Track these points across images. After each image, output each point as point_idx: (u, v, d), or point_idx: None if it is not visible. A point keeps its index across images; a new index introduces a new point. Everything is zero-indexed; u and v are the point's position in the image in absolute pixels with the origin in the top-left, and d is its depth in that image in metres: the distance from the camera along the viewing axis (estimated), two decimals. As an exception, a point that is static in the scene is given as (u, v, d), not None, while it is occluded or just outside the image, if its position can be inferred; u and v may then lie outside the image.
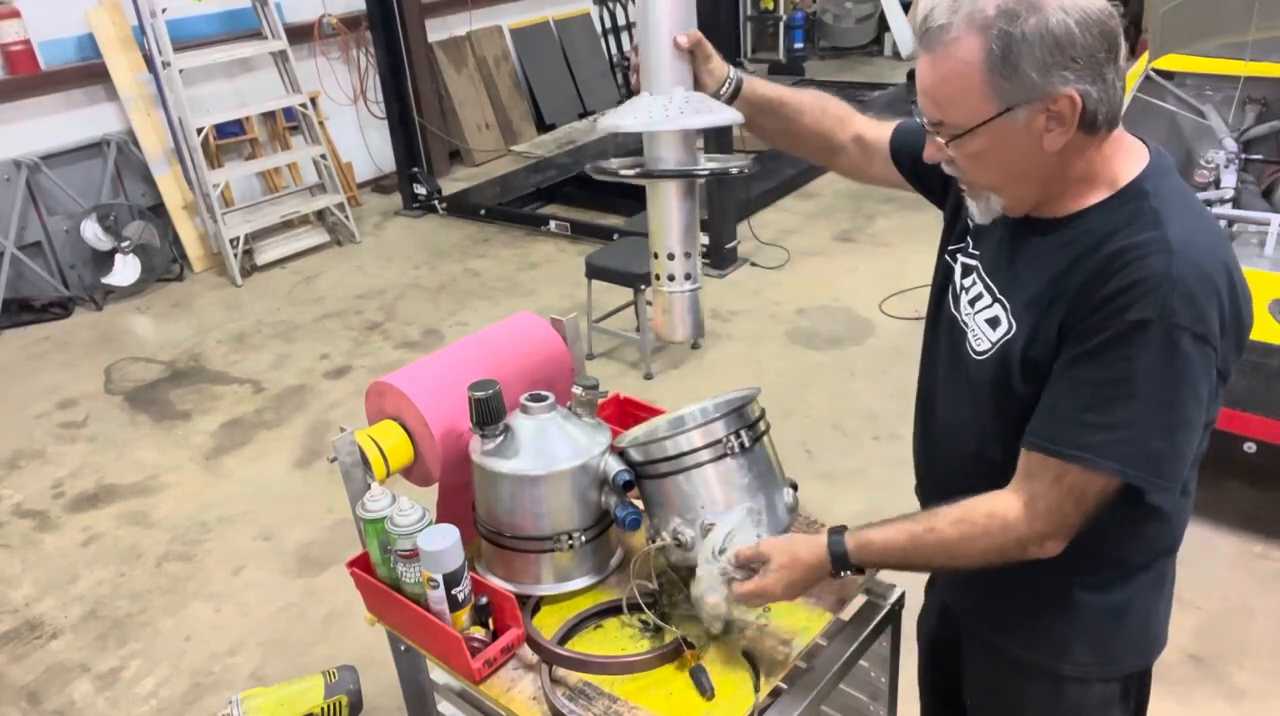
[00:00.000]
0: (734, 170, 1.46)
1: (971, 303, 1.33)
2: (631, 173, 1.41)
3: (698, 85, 1.43)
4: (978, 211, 1.27)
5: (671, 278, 1.44)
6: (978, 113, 1.13)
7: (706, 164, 1.43)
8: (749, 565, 1.35)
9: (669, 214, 1.41)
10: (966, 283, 1.35)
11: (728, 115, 1.39)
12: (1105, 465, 1.13)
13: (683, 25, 1.37)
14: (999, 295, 1.27)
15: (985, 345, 1.28)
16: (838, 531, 1.32)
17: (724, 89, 1.47)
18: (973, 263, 1.35)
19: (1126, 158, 1.19)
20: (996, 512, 1.20)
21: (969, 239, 1.37)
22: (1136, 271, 1.10)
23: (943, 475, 1.44)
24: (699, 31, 1.39)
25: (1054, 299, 1.18)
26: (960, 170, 1.23)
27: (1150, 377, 1.11)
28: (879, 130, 1.55)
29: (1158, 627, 1.38)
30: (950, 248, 1.42)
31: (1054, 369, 1.18)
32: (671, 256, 1.43)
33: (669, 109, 1.35)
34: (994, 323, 1.27)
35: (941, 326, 1.41)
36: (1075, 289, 1.15)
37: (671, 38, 1.37)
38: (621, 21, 8.87)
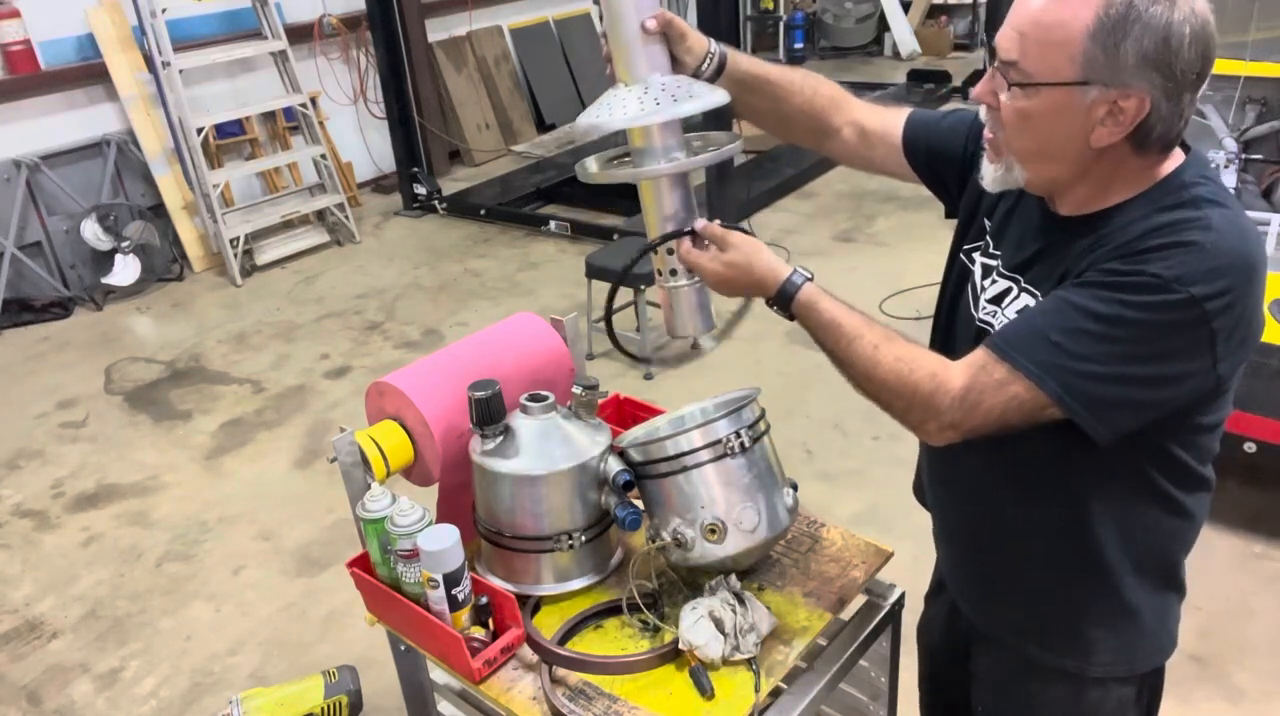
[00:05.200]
0: (730, 151, 1.38)
1: (994, 300, 1.30)
2: (627, 172, 1.35)
3: (677, 66, 1.35)
4: (990, 176, 1.23)
5: (674, 272, 1.39)
6: (1056, 70, 1.09)
7: (699, 155, 1.36)
8: (711, 241, 1.33)
9: (662, 206, 1.35)
10: (986, 283, 1.33)
11: (713, 97, 1.29)
12: (1052, 388, 1.11)
13: (649, 6, 1.29)
14: (1027, 285, 1.25)
15: None
16: (804, 273, 1.29)
17: (705, 66, 1.39)
18: (993, 262, 1.33)
19: (1168, 161, 1.17)
20: (938, 377, 1.17)
21: (988, 239, 1.35)
22: (1169, 237, 1.08)
23: (958, 474, 1.41)
24: (666, 10, 1.31)
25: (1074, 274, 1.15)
26: (998, 124, 1.18)
27: (1137, 328, 1.08)
28: (884, 118, 1.50)
29: (1173, 625, 1.37)
30: (966, 247, 1.39)
31: (1046, 297, 1.17)
32: (671, 250, 1.38)
33: (645, 100, 1.26)
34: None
35: (957, 328, 1.39)
36: (1102, 258, 1.13)
37: (639, 22, 1.28)
38: (621, 21, 8.86)
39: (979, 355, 1.17)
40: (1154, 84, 1.07)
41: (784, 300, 1.28)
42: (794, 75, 1.51)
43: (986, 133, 1.22)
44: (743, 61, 1.46)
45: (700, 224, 1.34)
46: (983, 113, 1.22)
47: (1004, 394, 1.14)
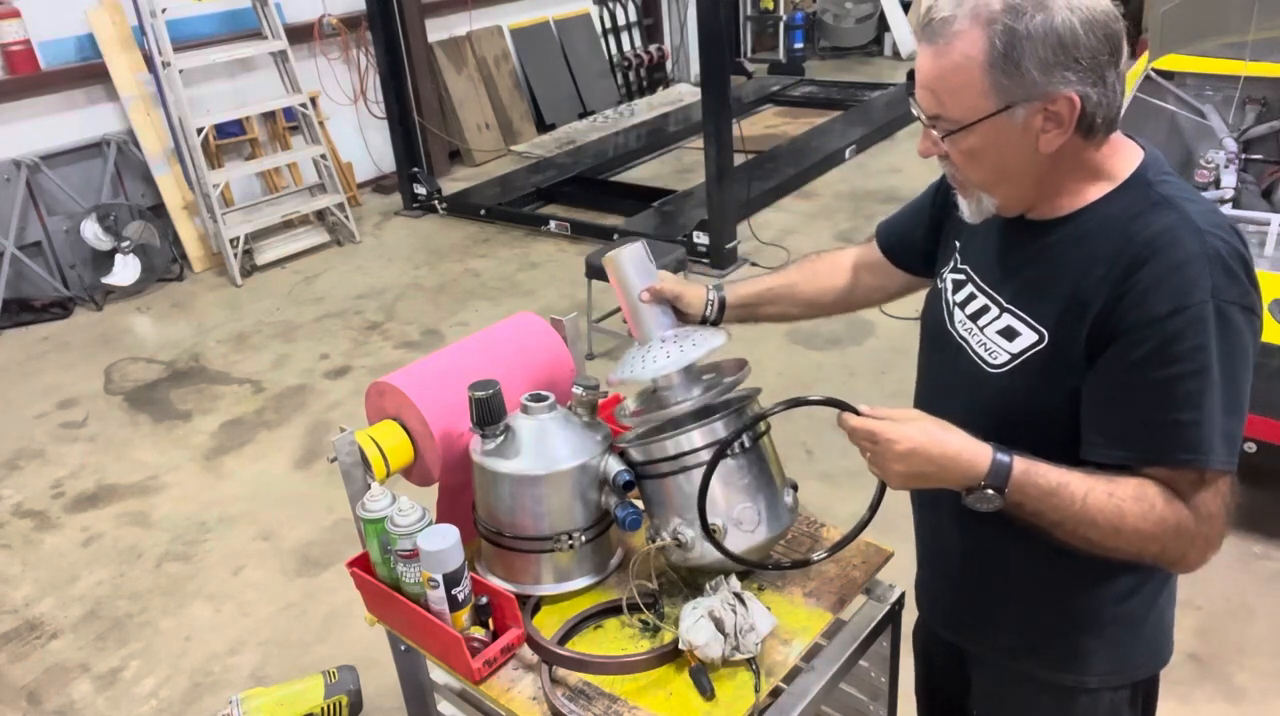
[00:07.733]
0: (736, 380, 1.50)
1: (974, 317, 1.29)
2: (656, 414, 1.48)
3: (684, 318, 1.54)
4: (968, 211, 1.25)
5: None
6: (975, 108, 1.12)
7: (714, 394, 1.47)
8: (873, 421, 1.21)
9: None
10: (959, 297, 1.33)
11: (709, 344, 1.47)
12: (1219, 459, 1.11)
13: (645, 280, 1.50)
14: (1009, 305, 1.24)
15: (1003, 358, 1.23)
16: (999, 446, 1.16)
17: (709, 311, 1.56)
18: (961, 276, 1.33)
19: (1123, 156, 1.19)
20: (1173, 501, 1.12)
21: (957, 256, 1.36)
22: (1173, 255, 1.09)
23: (946, 495, 1.33)
24: (658, 283, 1.50)
25: (1082, 300, 1.14)
26: (953, 167, 1.21)
27: (1219, 359, 1.09)
28: (867, 247, 1.60)
29: (1169, 632, 1.37)
30: (941, 270, 1.41)
31: (1117, 375, 1.13)
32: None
33: (645, 358, 1.46)
34: (1009, 334, 1.23)
35: (934, 347, 1.39)
36: (1106, 286, 1.12)
37: (637, 295, 1.50)
38: (621, 21, 8.87)
39: (1161, 474, 1.13)
40: (1072, 81, 1.08)
41: (1000, 478, 1.14)
42: (789, 272, 1.63)
43: (949, 175, 1.26)
44: (741, 290, 1.61)
45: (866, 411, 1.23)
46: (937, 162, 1.24)
47: (1207, 490, 1.13)
